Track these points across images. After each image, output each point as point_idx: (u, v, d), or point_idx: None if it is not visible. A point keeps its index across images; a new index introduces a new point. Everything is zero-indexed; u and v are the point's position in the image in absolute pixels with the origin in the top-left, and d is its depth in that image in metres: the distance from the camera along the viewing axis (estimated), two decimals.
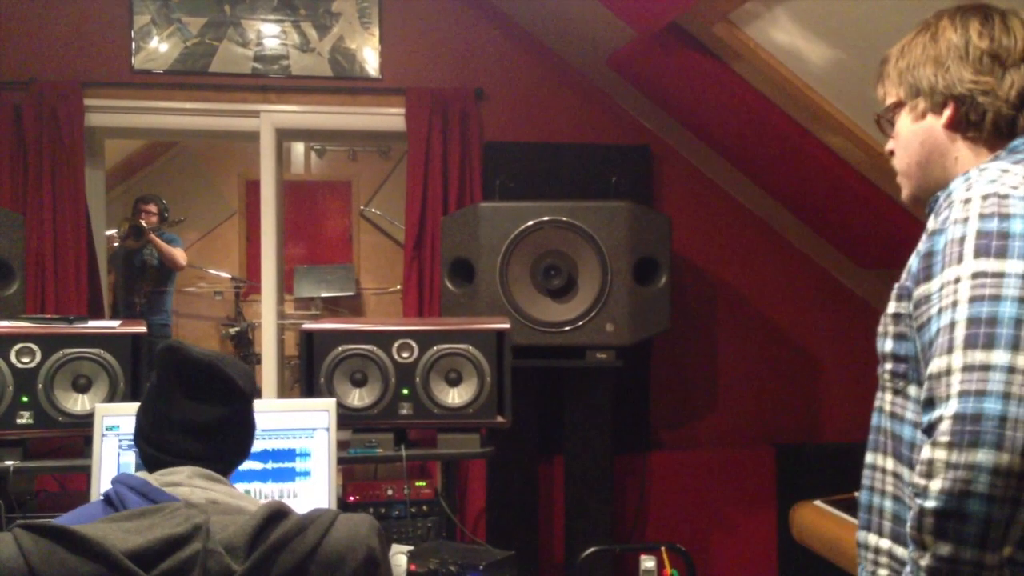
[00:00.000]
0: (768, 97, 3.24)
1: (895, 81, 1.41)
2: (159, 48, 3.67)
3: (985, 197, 1.17)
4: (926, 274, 1.20)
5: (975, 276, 1.12)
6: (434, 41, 3.82)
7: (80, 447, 2.47)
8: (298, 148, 7.55)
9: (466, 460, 3.40)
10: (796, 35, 2.83)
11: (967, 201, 1.18)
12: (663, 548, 2.65)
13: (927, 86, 1.35)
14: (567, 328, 3.22)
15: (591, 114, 3.90)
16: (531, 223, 3.22)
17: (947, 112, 1.34)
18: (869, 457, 1.36)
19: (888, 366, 1.31)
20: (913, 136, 1.39)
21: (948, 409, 1.08)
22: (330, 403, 2.31)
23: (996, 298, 1.10)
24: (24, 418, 2.38)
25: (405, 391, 2.62)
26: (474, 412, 2.63)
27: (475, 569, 2.17)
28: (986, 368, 1.07)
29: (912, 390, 1.27)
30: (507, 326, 2.69)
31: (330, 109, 3.80)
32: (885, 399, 1.32)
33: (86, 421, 2.31)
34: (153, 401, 1.57)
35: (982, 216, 1.15)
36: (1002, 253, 1.12)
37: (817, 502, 2.92)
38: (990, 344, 1.08)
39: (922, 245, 1.23)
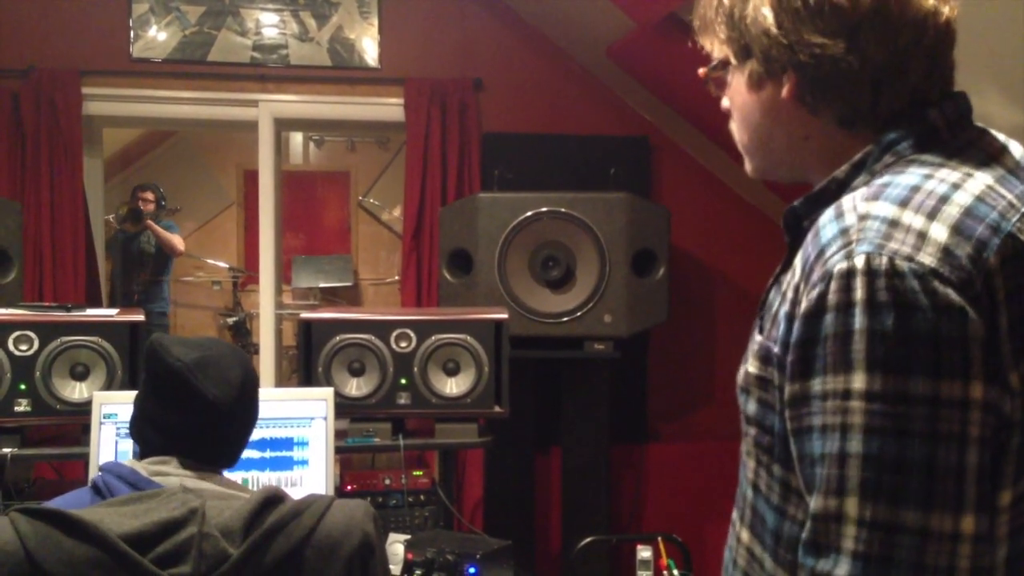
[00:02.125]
0: None
1: (720, 35, 1.08)
2: (157, 37, 3.67)
3: (874, 274, 0.86)
4: (803, 368, 0.91)
5: (869, 397, 0.85)
6: (433, 31, 3.81)
7: (78, 435, 2.47)
8: (296, 138, 7.54)
9: (464, 450, 3.41)
10: None
11: (849, 276, 0.87)
12: (659, 539, 2.66)
13: (759, 49, 1.03)
14: (565, 319, 3.22)
15: (590, 105, 3.89)
16: (529, 214, 3.22)
17: (787, 83, 1.02)
18: (733, 514, 1.12)
19: (752, 432, 1.05)
20: (751, 107, 1.08)
21: (839, 568, 0.86)
22: (328, 392, 2.31)
23: (901, 433, 0.84)
24: (22, 406, 2.38)
25: (403, 381, 2.62)
26: (472, 402, 2.63)
27: (472, 558, 2.17)
28: (892, 530, 0.84)
29: (776, 470, 1.00)
30: (505, 316, 2.69)
31: (329, 99, 3.80)
32: (749, 465, 1.06)
33: (84, 409, 2.31)
34: (139, 395, 1.57)
35: (871, 306, 0.85)
36: (903, 366, 0.84)
37: None
38: (896, 498, 0.84)
39: (794, 316, 0.93)
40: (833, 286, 0.88)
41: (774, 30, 1.01)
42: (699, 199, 3.98)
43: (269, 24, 3.72)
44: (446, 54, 3.81)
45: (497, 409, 2.66)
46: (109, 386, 2.41)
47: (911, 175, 0.94)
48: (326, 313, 2.69)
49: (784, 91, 1.03)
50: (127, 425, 2.09)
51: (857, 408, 0.86)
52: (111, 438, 2.14)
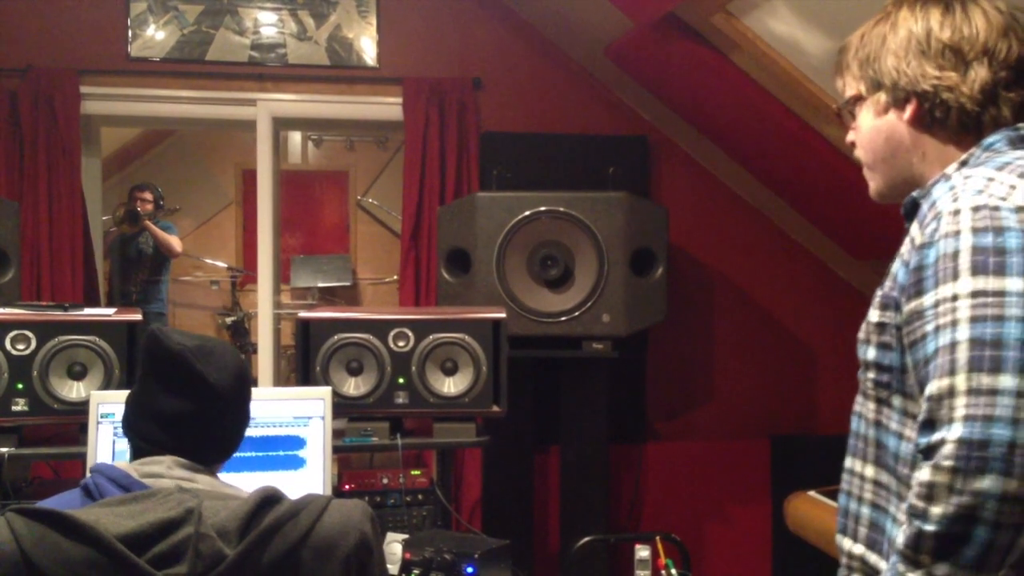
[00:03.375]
0: (766, 88, 3.23)
1: (855, 73, 1.36)
2: (155, 36, 3.66)
3: (976, 209, 1.11)
4: (917, 289, 1.14)
5: (975, 295, 1.07)
6: (432, 30, 3.81)
7: (75, 434, 2.47)
8: (295, 138, 7.54)
9: (462, 449, 3.41)
10: (795, 25, 2.83)
11: (956, 213, 1.12)
12: (658, 538, 2.66)
13: (888, 81, 1.30)
14: (563, 318, 3.22)
15: (588, 104, 3.89)
16: (528, 213, 3.22)
17: (910, 108, 1.29)
18: (848, 462, 1.33)
19: (871, 375, 1.27)
20: (876, 132, 1.34)
21: (952, 432, 1.04)
22: (326, 392, 2.31)
23: (999, 319, 1.05)
24: (19, 405, 2.38)
25: (401, 380, 2.62)
26: (470, 401, 2.63)
27: (470, 558, 2.17)
28: (993, 392, 1.03)
29: (896, 400, 1.23)
30: (503, 315, 2.69)
31: (327, 98, 3.79)
32: (868, 407, 1.29)
33: (81, 408, 2.31)
34: (135, 389, 1.55)
35: (975, 230, 1.10)
36: (1000, 270, 1.07)
37: (811, 493, 2.92)
38: (996, 367, 1.03)
39: (909, 256, 1.18)
40: (944, 220, 1.13)
41: (902, 64, 1.29)
42: (697, 198, 3.98)
43: (267, 23, 3.72)
44: (445, 53, 3.81)
45: (495, 408, 2.65)
46: (107, 386, 2.41)
47: (1005, 157, 1.20)
48: (324, 312, 2.69)
49: (908, 115, 1.29)
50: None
51: (964, 305, 1.07)
52: (108, 437, 2.13)
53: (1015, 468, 1.01)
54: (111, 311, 2.53)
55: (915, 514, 1.06)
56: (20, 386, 2.38)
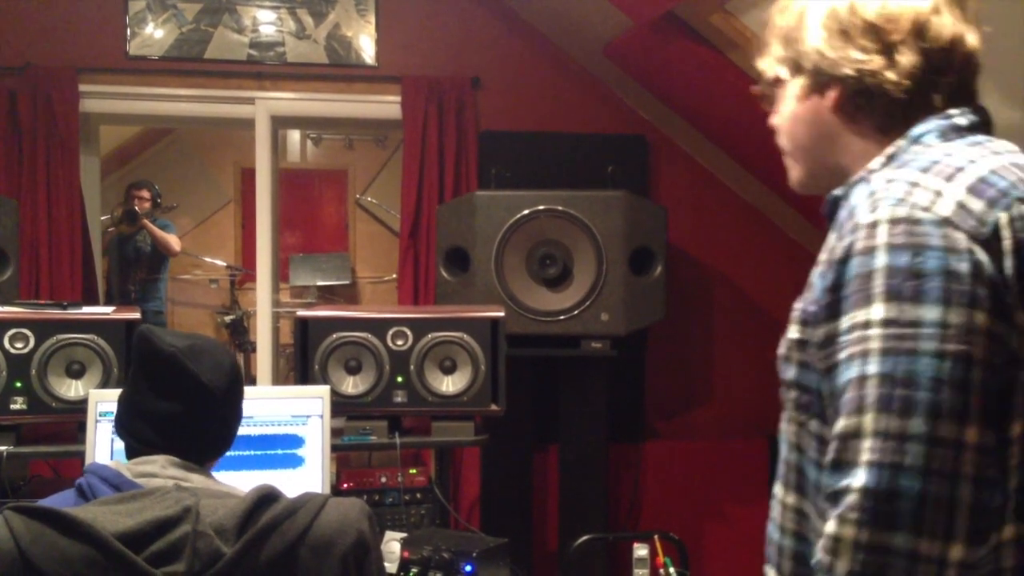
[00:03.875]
0: None
1: (775, 54, 1.24)
2: (154, 34, 3.66)
3: (894, 222, 0.98)
4: (832, 310, 1.03)
5: (887, 323, 0.96)
6: (430, 29, 3.81)
7: (74, 433, 2.46)
8: (294, 136, 7.54)
9: (460, 448, 3.41)
10: None
11: (873, 226, 1.00)
12: (656, 537, 2.66)
13: (809, 65, 1.18)
14: (562, 317, 3.22)
15: (587, 103, 3.89)
16: (527, 212, 3.22)
17: (832, 95, 1.16)
18: (775, 487, 1.20)
19: (792, 395, 1.15)
20: (797, 119, 1.22)
21: (856, 480, 0.94)
22: (324, 390, 2.30)
23: (912, 353, 0.94)
24: (17, 403, 2.38)
25: (399, 379, 2.62)
26: (468, 400, 2.63)
27: (468, 557, 2.17)
28: (902, 438, 0.93)
29: (814, 425, 1.10)
30: (502, 314, 2.69)
31: (326, 97, 3.79)
32: (790, 430, 1.16)
33: (79, 407, 2.30)
34: (127, 389, 1.55)
35: (891, 248, 0.97)
36: (916, 297, 0.95)
37: None
38: (907, 410, 0.93)
39: (826, 269, 1.06)
40: (860, 235, 1.01)
41: (823, 46, 1.16)
42: (696, 197, 3.98)
43: (266, 21, 3.72)
44: (443, 52, 3.81)
45: (494, 407, 2.66)
46: (105, 384, 2.41)
47: (933, 154, 1.08)
48: (322, 311, 2.69)
49: (829, 101, 1.17)
50: None
51: (875, 335, 0.97)
52: (107, 436, 2.13)
53: (926, 525, 0.91)
54: (109, 309, 2.53)
55: (820, 569, 0.98)
56: (18, 384, 2.38)
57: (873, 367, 0.96)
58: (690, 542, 3.06)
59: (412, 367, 2.62)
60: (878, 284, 0.98)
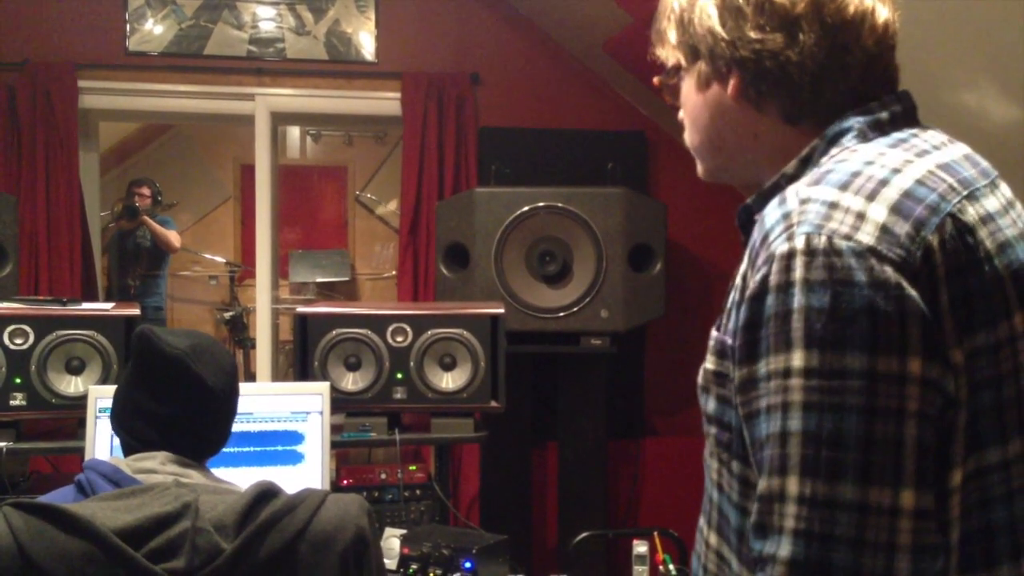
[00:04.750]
0: None
1: (671, 40, 1.11)
2: (154, 30, 3.66)
3: (812, 254, 0.86)
4: (749, 352, 0.91)
5: (807, 374, 0.85)
6: (430, 25, 3.80)
7: (73, 429, 2.47)
8: (293, 132, 7.53)
9: (460, 445, 3.41)
10: None
11: (790, 257, 0.87)
12: (656, 533, 2.66)
13: (704, 48, 1.06)
14: (561, 314, 3.22)
15: (587, 100, 3.89)
16: (526, 209, 3.22)
17: (732, 81, 1.04)
18: (700, 520, 1.09)
19: (712, 430, 1.03)
20: (700, 109, 1.10)
21: (782, 549, 0.85)
22: (324, 387, 2.30)
23: (838, 409, 0.83)
24: (17, 400, 2.38)
25: (399, 375, 2.62)
26: (468, 397, 2.63)
27: (468, 553, 2.17)
28: (831, 505, 0.83)
29: (735, 466, 0.98)
30: (501, 311, 2.69)
31: (325, 93, 3.79)
32: (712, 466, 1.04)
33: (79, 403, 2.31)
34: (125, 387, 1.54)
35: (809, 285, 0.85)
36: (840, 343, 0.84)
37: None
38: (834, 474, 0.83)
39: (741, 301, 0.94)
40: (775, 267, 0.88)
41: (717, 28, 1.04)
42: (696, 194, 3.97)
43: (265, 18, 3.71)
44: (443, 48, 3.80)
45: (493, 404, 2.66)
46: (105, 380, 2.41)
47: (852, 162, 0.95)
48: (322, 307, 2.69)
49: (730, 88, 1.05)
50: None
51: (796, 386, 0.86)
52: (106, 432, 2.13)
53: None
54: (109, 306, 2.53)
55: None
56: (18, 380, 2.38)
57: (795, 423, 0.85)
58: (689, 539, 3.06)
59: (412, 363, 2.62)
60: (796, 327, 0.86)
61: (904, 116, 1.02)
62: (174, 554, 1.29)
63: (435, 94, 3.68)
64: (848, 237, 0.86)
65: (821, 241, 0.87)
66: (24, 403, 2.38)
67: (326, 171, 7.77)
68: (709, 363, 1.03)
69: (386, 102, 3.77)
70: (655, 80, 1.18)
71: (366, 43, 3.77)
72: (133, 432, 1.51)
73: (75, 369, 2.43)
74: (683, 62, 1.11)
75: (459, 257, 3.31)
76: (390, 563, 2.19)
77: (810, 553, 0.83)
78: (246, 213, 7.22)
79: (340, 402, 2.59)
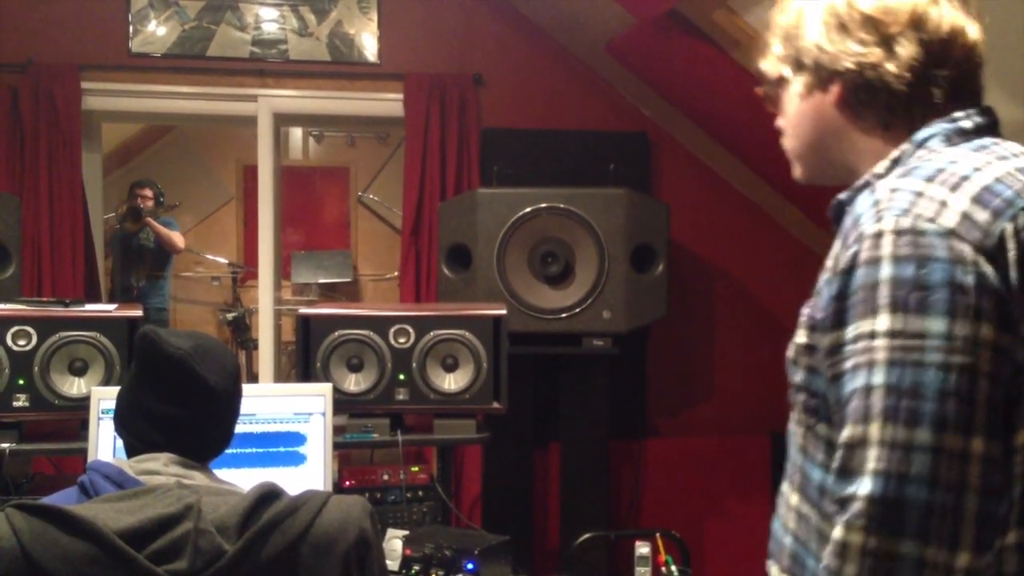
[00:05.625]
0: None
1: (777, 53, 1.25)
2: (156, 31, 3.66)
3: (899, 233, 0.99)
4: (837, 319, 1.04)
5: (892, 335, 0.97)
6: (433, 26, 3.81)
7: (76, 430, 2.47)
8: (296, 133, 7.54)
9: (462, 446, 3.41)
10: None
11: (878, 236, 1.00)
12: (658, 535, 2.66)
13: (809, 61, 1.19)
14: (564, 315, 3.22)
15: (589, 101, 3.89)
16: (528, 210, 3.22)
17: (834, 90, 1.17)
18: (783, 484, 1.22)
19: (800, 398, 1.16)
20: (803, 116, 1.23)
21: (863, 488, 0.96)
22: (326, 388, 2.30)
23: (918, 364, 0.95)
24: (20, 401, 2.38)
25: (401, 376, 2.62)
26: (470, 398, 2.63)
27: (470, 554, 2.17)
28: (908, 448, 0.94)
29: (822, 429, 1.12)
30: (504, 312, 2.69)
31: (328, 94, 3.79)
32: (797, 432, 1.18)
33: (82, 404, 2.30)
34: (128, 388, 1.54)
35: (896, 259, 0.98)
36: (921, 308, 0.96)
37: None
38: (913, 420, 0.94)
39: (832, 278, 1.06)
40: (865, 245, 1.01)
41: (823, 41, 1.17)
42: (698, 195, 3.98)
43: (268, 19, 3.72)
44: (445, 49, 3.81)
45: (495, 405, 2.66)
46: (107, 381, 2.41)
47: (937, 161, 1.07)
48: (324, 309, 2.70)
49: (832, 97, 1.18)
50: None
51: (881, 346, 0.98)
52: (109, 433, 2.13)
53: (932, 533, 0.93)
54: (112, 307, 2.53)
55: (829, 572, 0.99)
56: (21, 382, 2.38)
57: (879, 377, 0.97)
58: (691, 540, 3.06)
59: (414, 365, 2.62)
60: (883, 295, 0.98)
61: (987, 127, 1.14)
62: (176, 555, 1.29)
63: (437, 95, 3.69)
64: (932, 220, 0.99)
65: (908, 222, 1.00)
66: (27, 404, 2.38)
67: (328, 172, 7.77)
68: (799, 337, 1.16)
69: (388, 103, 3.78)
70: (757, 90, 1.32)
71: (368, 44, 3.77)
72: (136, 433, 1.51)
73: (78, 370, 2.43)
74: (787, 73, 1.24)
75: (461, 258, 3.31)
76: (392, 564, 2.19)
77: (888, 490, 0.94)
78: (248, 214, 7.22)
79: (342, 403, 2.59)
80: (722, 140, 3.89)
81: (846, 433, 0.99)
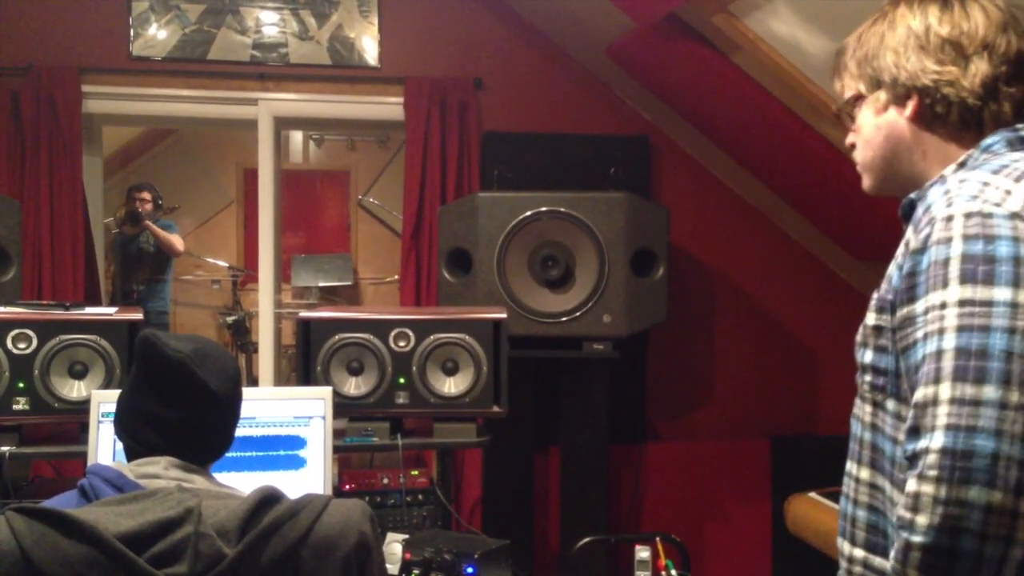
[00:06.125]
0: (767, 89, 3.23)
1: (854, 73, 1.36)
2: (157, 35, 3.66)
3: (968, 216, 1.11)
4: (909, 295, 1.15)
5: (962, 303, 1.08)
6: (433, 30, 3.81)
7: (76, 433, 2.47)
8: (296, 137, 7.54)
9: (462, 450, 3.41)
10: (796, 26, 2.83)
11: (949, 219, 1.12)
12: (658, 539, 2.66)
13: (888, 78, 1.31)
14: (564, 319, 3.22)
15: (590, 104, 3.89)
16: (529, 213, 3.22)
17: (911, 105, 1.29)
18: (847, 465, 1.33)
19: (868, 377, 1.27)
20: (876, 130, 1.34)
21: (934, 442, 1.04)
22: (326, 391, 2.31)
23: (985, 329, 1.06)
24: (20, 404, 2.38)
25: (401, 380, 2.62)
26: (470, 402, 2.63)
27: (470, 558, 2.17)
28: (976, 403, 1.04)
29: (891, 404, 1.23)
30: (504, 316, 2.69)
31: (328, 98, 3.79)
32: (865, 410, 1.29)
33: (82, 407, 2.31)
34: (129, 392, 1.54)
35: (966, 238, 1.10)
36: (989, 279, 1.07)
37: (812, 494, 2.92)
38: (980, 378, 1.04)
39: (903, 259, 1.18)
40: (937, 227, 1.13)
41: (902, 60, 1.29)
42: (699, 199, 3.98)
43: (269, 23, 3.72)
44: (446, 53, 3.81)
45: (496, 409, 2.65)
46: (108, 385, 2.41)
47: (1003, 159, 1.20)
48: (325, 312, 2.69)
49: (909, 111, 1.29)
50: None
51: (951, 314, 1.08)
52: (109, 437, 2.13)
53: (999, 479, 1.01)
54: (112, 310, 2.53)
55: (902, 525, 1.06)
56: (21, 385, 2.38)
57: (949, 342, 1.07)
58: (691, 544, 3.06)
59: (414, 368, 2.62)
60: (954, 269, 1.09)
61: None
62: (176, 559, 1.29)
63: (438, 99, 3.69)
64: (998, 204, 1.11)
65: (976, 206, 1.11)
66: (27, 407, 2.38)
67: (329, 175, 7.78)
68: (869, 319, 1.26)
69: (389, 107, 3.78)
70: (834, 108, 1.43)
71: (369, 48, 3.77)
72: (136, 437, 1.51)
73: (78, 373, 2.43)
74: (863, 90, 1.35)
75: (461, 262, 3.31)
76: (392, 568, 2.19)
77: (957, 441, 1.03)
78: (249, 217, 7.23)
79: (342, 407, 2.59)
80: (723, 144, 3.89)
81: (918, 394, 1.08)
